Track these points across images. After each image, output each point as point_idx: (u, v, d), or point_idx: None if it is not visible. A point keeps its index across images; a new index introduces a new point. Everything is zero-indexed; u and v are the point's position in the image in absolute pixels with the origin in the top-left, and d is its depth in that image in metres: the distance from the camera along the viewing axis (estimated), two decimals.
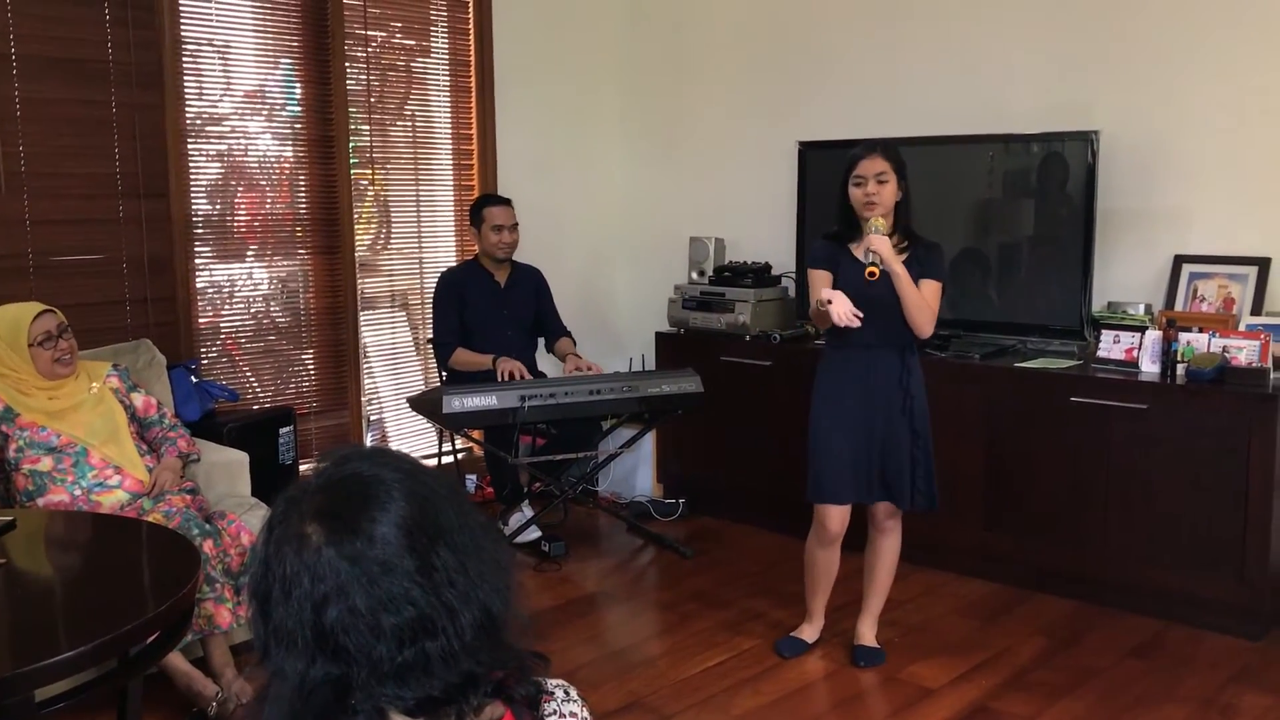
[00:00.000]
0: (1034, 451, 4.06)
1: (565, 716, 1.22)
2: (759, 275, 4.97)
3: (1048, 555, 4.08)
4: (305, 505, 1.12)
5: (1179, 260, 4.14)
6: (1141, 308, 4.12)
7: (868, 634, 3.63)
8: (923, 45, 4.72)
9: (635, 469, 5.28)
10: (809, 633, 3.71)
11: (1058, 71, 4.37)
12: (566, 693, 1.25)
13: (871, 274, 3.27)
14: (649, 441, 5.11)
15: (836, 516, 3.49)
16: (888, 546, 3.57)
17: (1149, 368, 3.93)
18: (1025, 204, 4.39)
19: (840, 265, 3.44)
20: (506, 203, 4.75)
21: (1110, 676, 3.46)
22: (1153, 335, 3.94)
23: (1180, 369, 3.83)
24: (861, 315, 3.26)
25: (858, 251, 3.41)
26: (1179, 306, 4.09)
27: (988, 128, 4.42)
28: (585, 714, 1.25)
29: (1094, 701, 3.30)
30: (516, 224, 4.71)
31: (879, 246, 3.27)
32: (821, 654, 3.66)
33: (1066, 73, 4.35)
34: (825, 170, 4.55)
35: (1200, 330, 3.86)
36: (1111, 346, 4.03)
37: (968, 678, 3.46)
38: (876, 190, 3.31)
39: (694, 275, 5.20)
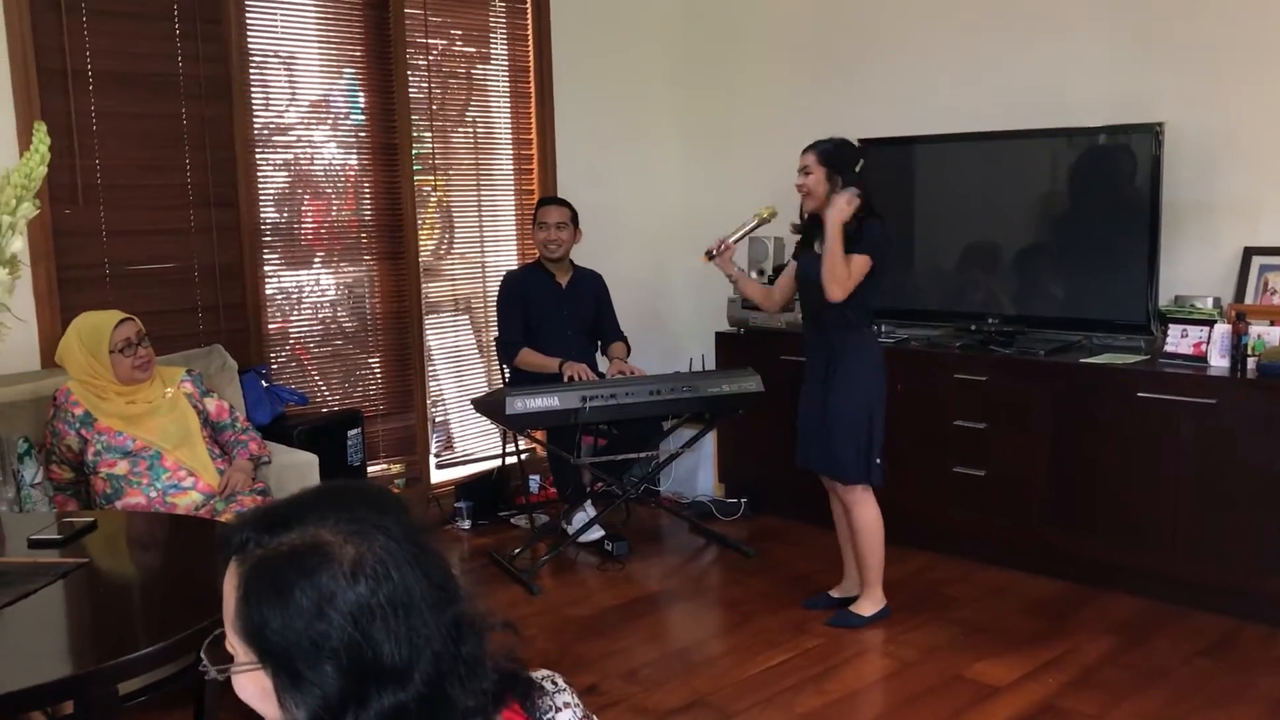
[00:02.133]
0: (1100, 448, 4.01)
1: (560, 708, 1.23)
2: None
3: (1115, 553, 4.03)
4: (346, 540, 1.10)
5: (1248, 252, 4.06)
6: (1210, 301, 4.05)
7: (861, 603, 3.86)
8: (983, 39, 4.68)
9: (696, 469, 5.30)
10: (837, 589, 4.04)
11: (1121, 63, 4.31)
12: (555, 683, 1.26)
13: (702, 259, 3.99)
14: (710, 441, 5.13)
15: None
16: (851, 520, 3.81)
17: (1218, 362, 3.86)
18: (1090, 198, 4.33)
19: (800, 257, 3.88)
20: (557, 203, 4.82)
21: (1181, 676, 3.41)
22: (1222, 329, 3.87)
23: (1251, 363, 3.76)
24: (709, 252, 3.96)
25: (817, 246, 3.74)
26: (1249, 299, 4.01)
27: (1051, 121, 4.36)
28: (576, 700, 1.25)
29: (1164, 701, 3.25)
30: (565, 224, 4.76)
31: (726, 244, 3.95)
32: (886, 652, 3.65)
33: (1130, 65, 4.29)
34: (884, 168, 4.54)
35: (1271, 323, 3.79)
36: (1179, 341, 3.97)
37: (1034, 676, 3.43)
38: (801, 181, 3.73)
39: (753, 275, 5.20)
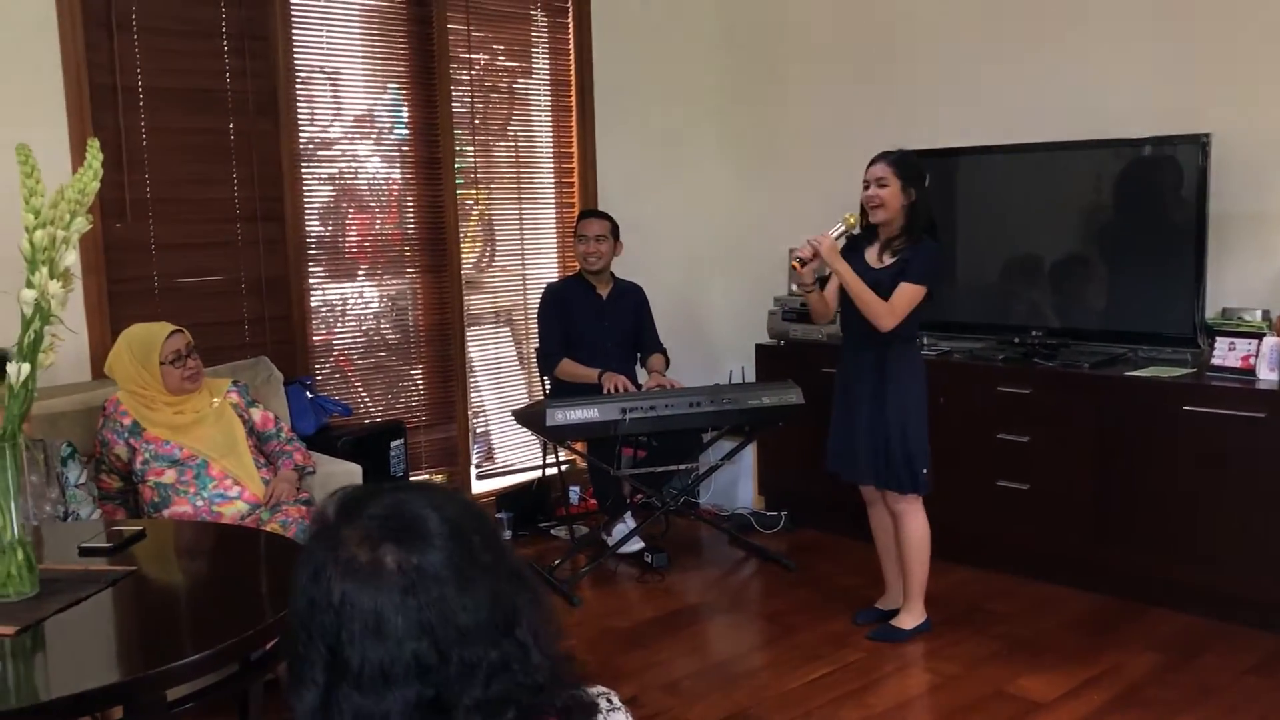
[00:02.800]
0: (1146, 462, 3.97)
1: None
2: None
3: (1161, 568, 3.98)
4: (361, 541, 1.11)
5: None
6: (1258, 314, 4.00)
7: (902, 616, 3.85)
8: (1028, 50, 4.66)
9: (736, 481, 5.30)
10: (882, 601, 4.02)
11: (1167, 74, 4.27)
12: (610, 701, 1.25)
13: (793, 267, 3.73)
14: (750, 454, 5.12)
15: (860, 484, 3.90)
16: (899, 530, 3.80)
17: (1267, 375, 3.81)
18: (1135, 209, 4.28)
19: (851, 264, 3.75)
20: (598, 216, 4.85)
21: (1229, 693, 3.37)
22: (1271, 342, 3.82)
23: None
24: (803, 260, 3.69)
25: (869, 254, 3.74)
26: None
27: (1096, 133, 4.33)
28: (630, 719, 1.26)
29: (1211, 719, 3.21)
30: (605, 236, 4.78)
31: (819, 243, 3.64)
32: (927, 667, 3.63)
33: (1176, 76, 4.25)
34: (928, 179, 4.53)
35: None
36: (1227, 354, 3.92)
37: (1077, 693, 3.39)
38: (876, 194, 3.65)
39: (794, 287, 5.19)
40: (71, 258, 2.25)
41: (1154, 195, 4.22)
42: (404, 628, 1.08)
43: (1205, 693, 3.37)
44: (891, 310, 3.60)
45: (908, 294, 3.61)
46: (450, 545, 1.13)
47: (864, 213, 3.74)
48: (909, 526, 3.77)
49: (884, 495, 3.83)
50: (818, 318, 3.98)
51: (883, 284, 3.64)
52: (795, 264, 3.73)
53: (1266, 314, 4.00)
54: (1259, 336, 3.86)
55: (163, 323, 3.60)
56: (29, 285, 2.20)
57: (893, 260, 3.68)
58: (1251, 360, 3.85)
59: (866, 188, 3.68)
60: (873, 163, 3.70)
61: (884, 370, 3.71)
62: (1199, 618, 3.89)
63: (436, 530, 1.13)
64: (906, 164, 3.67)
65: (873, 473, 3.79)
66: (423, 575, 1.10)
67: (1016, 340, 4.48)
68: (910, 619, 3.83)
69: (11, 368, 2.24)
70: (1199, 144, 4.00)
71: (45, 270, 2.19)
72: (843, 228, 3.73)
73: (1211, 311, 4.11)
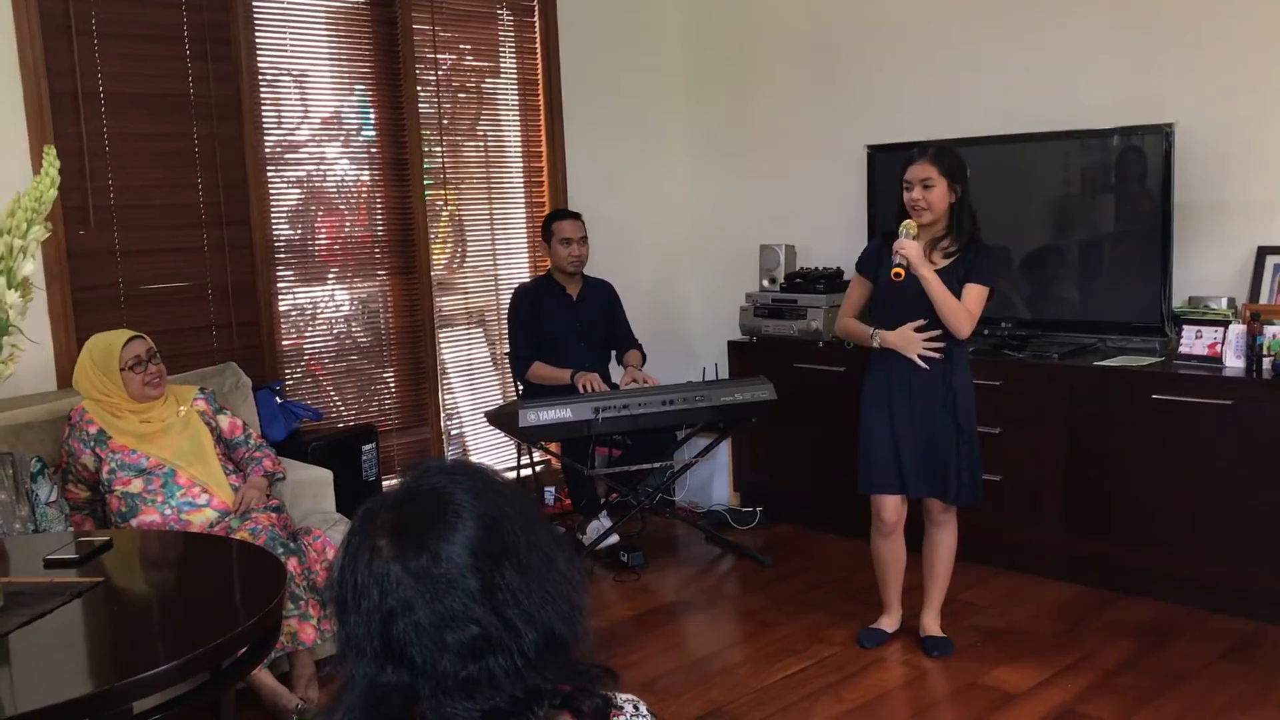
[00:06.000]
0: (1117, 451, 3.99)
1: None
2: (831, 281, 4.95)
3: (1133, 557, 4.01)
4: (380, 519, 1.16)
5: (1262, 252, 4.04)
6: (1224, 302, 4.03)
7: (932, 625, 3.72)
8: (991, 43, 4.68)
9: (711, 478, 5.30)
10: (888, 623, 3.82)
11: (1130, 65, 4.30)
12: (636, 707, 1.24)
13: (897, 274, 3.40)
14: (725, 450, 5.12)
15: (889, 506, 3.62)
16: (942, 539, 3.67)
17: (1233, 363, 3.84)
18: (1102, 200, 4.32)
19: (882, 266, 3.56)
20: (575, 216, 4.82)
21: (1202, 679, 3.39)
22: (1236, 329, 3.85)
23: (1266, 363, 3.74)
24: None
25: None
26: (1263, 299, 3.99)
27: (1061, 124, 4.35)
28: None
29: (1186, 705, 3.23)
30: (585, 237, 4.77)
31: (907, 251, 3.40)
32: (903, 660, 3.64)
33: (1139, 66, 4.27)
34: (894, 174, 4.52)
35: None
36: (1194, 342, 3.95)
37: (1052, 682, 3.41)
38: (921, 195, 3.42)
39: (765, 283, 5.21)
40: (30, 267, 2.22)
41: (1120, 185, 4.25)
42: (363, 607, 1.14)
43: (1178, 679, 3.40)
44: (971, 315, 3.41)
45: (979, 296, 3.42)
46: (458, 561, 1.14)
47: (902, 214, 3.48)
48: (951, 537, 3.65)
49: (929, 507, 3.63)
50: (864, 341, 3.65)
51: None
52: (899, 270, 3.39)
53: (1232, 302, 4.03)
54: (1225, 324, 3.89)
55: (123, 329, 3.57)
56: None
57: (947, 262, 3.46)
58: (1218, 348, 3.88)
59: (909, 189, 3.43)
60: (913, 162, 3.43)
61: (949, 378, 3.48)
62: (1171, 605, 3.92)
63: (451, 545, 1.14)
64: (951, 159, 3.42)
65: (945, 486, 3.54)
66: (404, 576, 1.13)
67: (986, 332, 4.49)
68: (938, 624, 3.73)
69: None
70: (1163, 134, 4.03)
71: (3, 280, 2.17)
72: (908, 234, 3.43)
73: (1178, 300, 4.14)
